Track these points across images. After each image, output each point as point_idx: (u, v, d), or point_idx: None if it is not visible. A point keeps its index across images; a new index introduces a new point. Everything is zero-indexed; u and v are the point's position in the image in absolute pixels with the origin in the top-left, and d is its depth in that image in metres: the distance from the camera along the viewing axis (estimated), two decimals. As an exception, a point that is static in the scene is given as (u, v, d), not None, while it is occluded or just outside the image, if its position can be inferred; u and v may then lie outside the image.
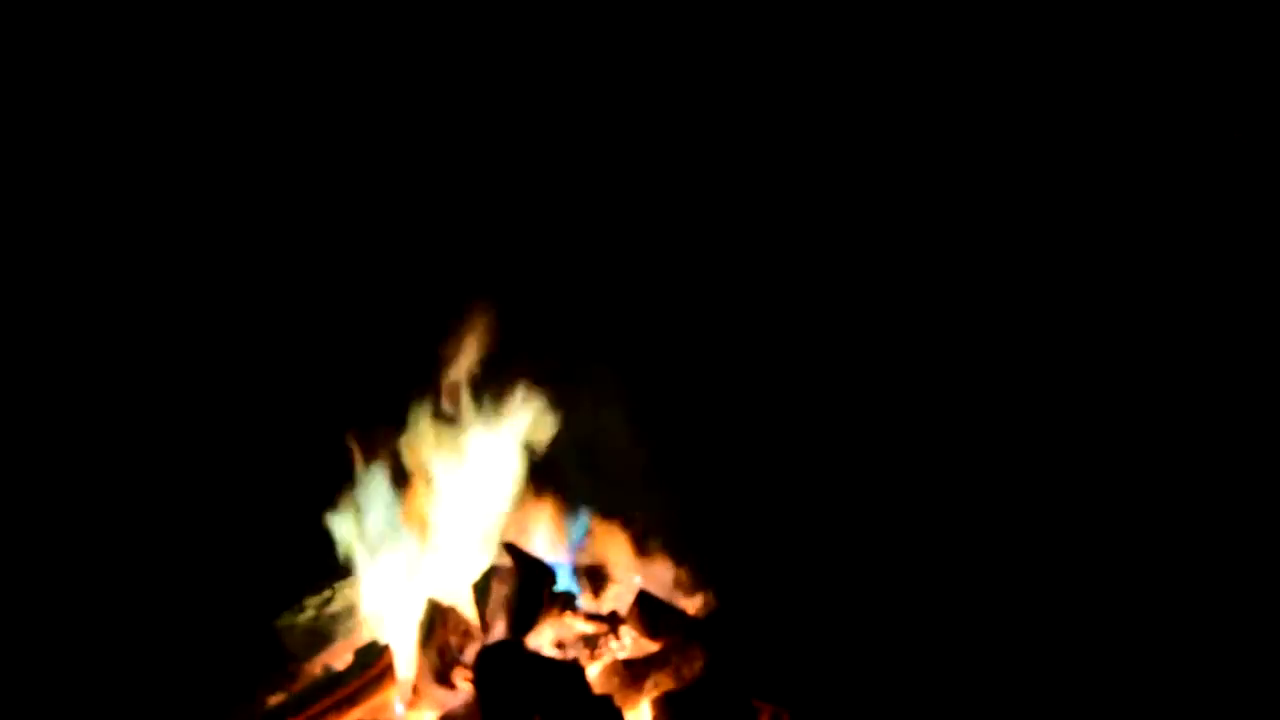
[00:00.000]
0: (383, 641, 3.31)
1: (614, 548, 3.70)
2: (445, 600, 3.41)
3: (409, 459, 3.67)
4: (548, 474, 3.74)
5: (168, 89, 4.15)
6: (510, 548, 3.47)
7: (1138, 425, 4.06)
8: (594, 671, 3.21)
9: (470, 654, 3.19)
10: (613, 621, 3.43)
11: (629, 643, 3.40)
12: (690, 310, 4.42)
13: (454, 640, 3.32)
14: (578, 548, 3.73)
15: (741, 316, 4.47)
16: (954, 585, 3.65)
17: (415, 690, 3.25)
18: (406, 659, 3.32)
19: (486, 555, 3.55)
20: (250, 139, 4.24)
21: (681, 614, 3.47)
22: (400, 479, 3.68)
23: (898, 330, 4.49)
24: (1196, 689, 3.07)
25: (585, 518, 3.76)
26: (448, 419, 3.71)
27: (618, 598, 3.61)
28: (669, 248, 4.47)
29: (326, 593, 3.66)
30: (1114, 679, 3.20)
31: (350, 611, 3.59)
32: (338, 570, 3.60)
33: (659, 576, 3.64)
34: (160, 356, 4.19)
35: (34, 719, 3.14)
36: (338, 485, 3.80)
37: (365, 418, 3.85)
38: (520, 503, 3.70)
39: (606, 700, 2.94)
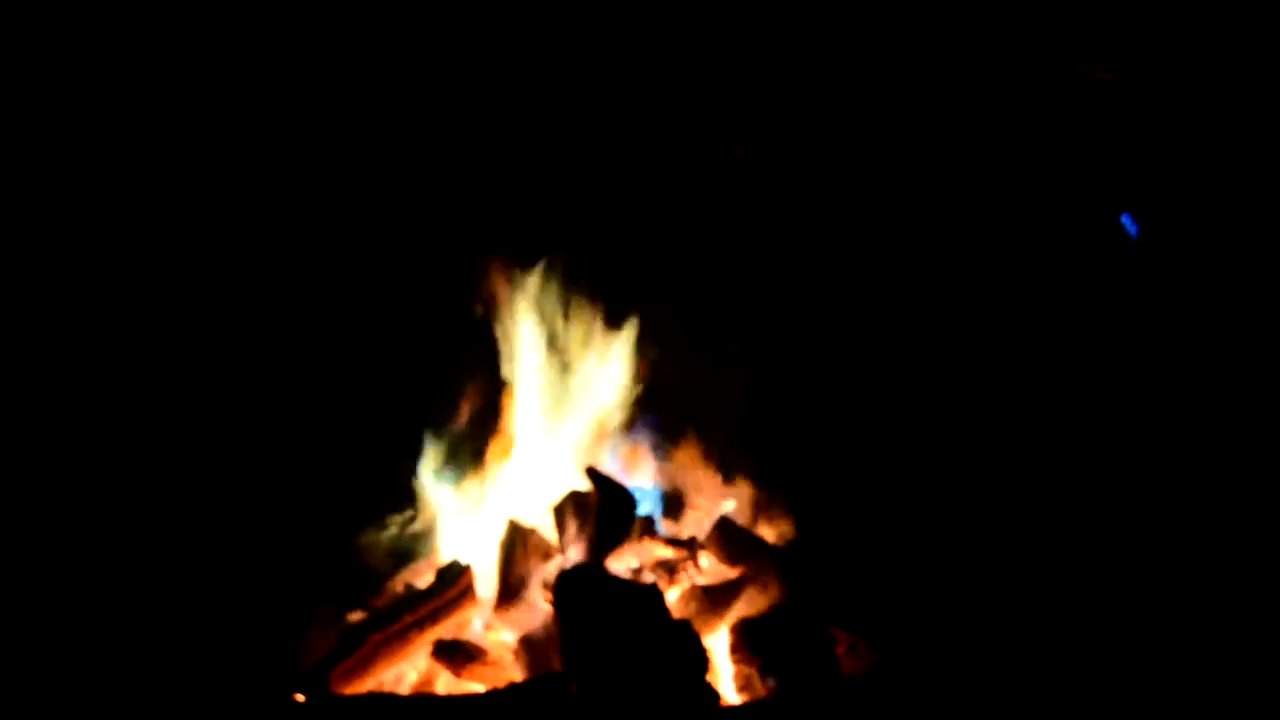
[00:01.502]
0: (464, 561, 3.33)
1: (694, 474, 3.69)
2: (526, 522, 3.44)
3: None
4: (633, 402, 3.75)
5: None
6: (592, 472, 3.48)
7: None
8: (672, 597, 3.22)
9: (550, 576, 3.21)
10: (692, 547, 3.43)
11: (708, 569, 3.40)
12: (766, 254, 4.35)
13: (534, 562, 3.34)
14: (657, 474, 3.73)
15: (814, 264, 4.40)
16: (1035, 518, 3.60)
17: (495, 610, 3.28)
18: (487, 579, 3.35)
19: (569, 479, 3.57)
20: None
21: (760, 541, 3.46)
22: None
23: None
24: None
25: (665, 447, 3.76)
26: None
27: (697, 524, 3.61)
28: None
29: (409, 511, 3.70)
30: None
31: (432, 530, 3.62)
32: (421, 490, 3.64)
33: (739, 504, 3.63)
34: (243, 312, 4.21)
35: (119, 630, 3.21)
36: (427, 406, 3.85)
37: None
38: (605, 429, 3.71)
39: (685, 625, 2.94)
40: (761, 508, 3.60)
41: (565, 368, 3.74)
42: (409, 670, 3.17)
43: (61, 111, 3.98)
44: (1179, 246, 4.23)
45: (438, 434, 3.72)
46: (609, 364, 3.74)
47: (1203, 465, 3.74)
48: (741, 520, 3.55)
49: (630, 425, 3.75)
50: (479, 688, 3.01)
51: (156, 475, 3.72)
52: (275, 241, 4.14)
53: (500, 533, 3.41)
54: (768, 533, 3.53)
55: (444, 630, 3.20)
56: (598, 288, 3.83)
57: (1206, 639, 3.07)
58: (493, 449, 3.71)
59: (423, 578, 3.42)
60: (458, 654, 3.13)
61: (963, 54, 4.32)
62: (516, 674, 3.07)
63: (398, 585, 3.48)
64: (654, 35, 4.21)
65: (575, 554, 3.32)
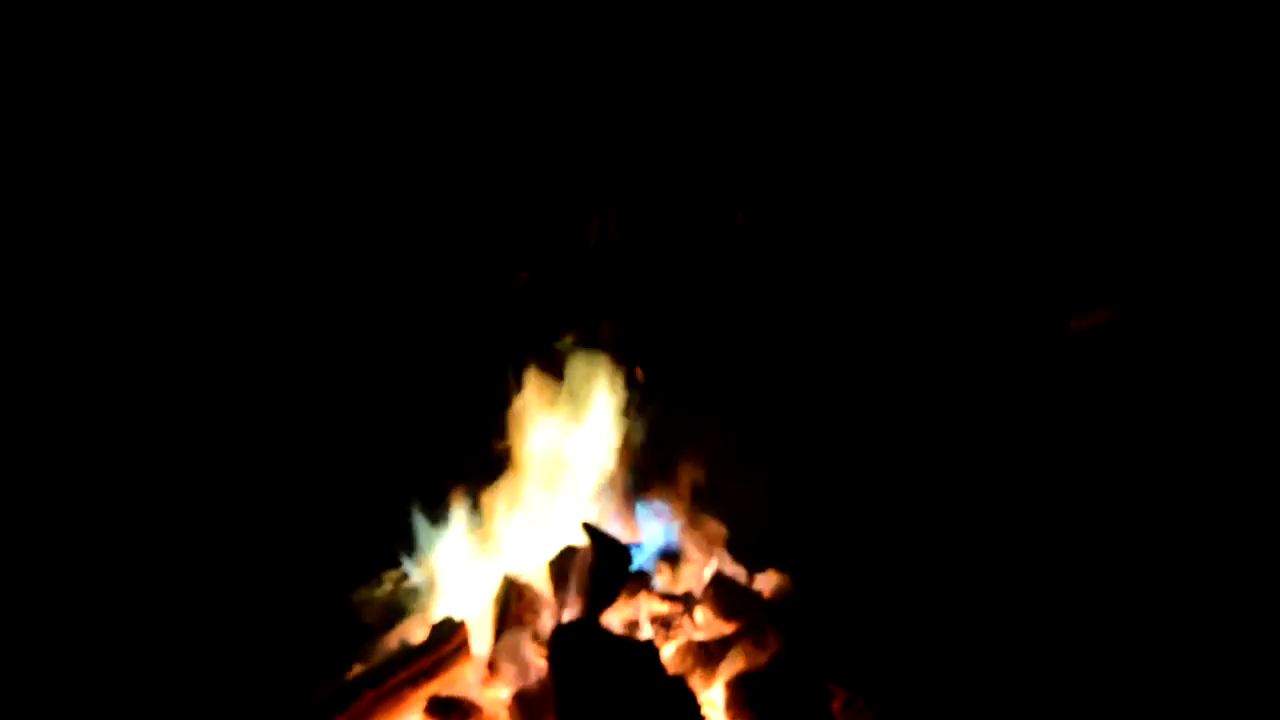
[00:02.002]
0: (458, 617, 3.32)
1: (689, 529, 3.69)
2: (521, 577, 3.43)
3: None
4: (626, 457, 3.75)
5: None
6: (588, 527, 3.48)
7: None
8: (668, 652, 3.20)
9: (545, 632, 3.20)
10: (687, 602, 3.41)
11: (703, 623, 3.39)
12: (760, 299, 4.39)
13: (529, 618, 3.33)
14: (653, 529, 3.73)
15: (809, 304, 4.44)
16: (1035, 566, 3.60)
17: (490, 666, 3.26)
18: (482, 635, 3.34)
19: (563, 534, 3.56)
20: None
21: (757, 596, 3.45)
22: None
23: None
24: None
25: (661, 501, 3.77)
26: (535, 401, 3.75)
27: (693, 578, 3.60)
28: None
29: (404, 567, 3.69)
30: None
31: (427, 586, 3.61)
32: (415, 546, 3.63)
33: (733, 557, 3.63)
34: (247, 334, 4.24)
35: (111, 690, 3.20)
36: (419, 465, 3.86)
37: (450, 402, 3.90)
38: (598, 483, 3.71)
39: (680, 681, 2.93)
40: (755, 561, 3.60)
41: (566, 424, 3.76)
42: (403, 727, 3.15)
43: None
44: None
45: (434, 490, 3.71)
46: (608, 420, 3.75)
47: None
48: (736, 574, 3.54)
49: (627, 480, 3.76)
50: (473, 745, 3.00)
51: (150, 524, 3.74)
52: (281, 296, 4.18)
53: (495, 588, 3.40)
54: (764, 587, 3.52)
55: (439, 686, 3.18)
56: (605, 347, 3.86)
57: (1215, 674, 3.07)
58: (489, 504, 3.71)
59: (417, 634, 3.41)
60: (452, 710, 3.11)
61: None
62: (511, 731, 3.05)
63: (392, 641, 3.46)
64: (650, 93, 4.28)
65: (570, 609, 3.32)
